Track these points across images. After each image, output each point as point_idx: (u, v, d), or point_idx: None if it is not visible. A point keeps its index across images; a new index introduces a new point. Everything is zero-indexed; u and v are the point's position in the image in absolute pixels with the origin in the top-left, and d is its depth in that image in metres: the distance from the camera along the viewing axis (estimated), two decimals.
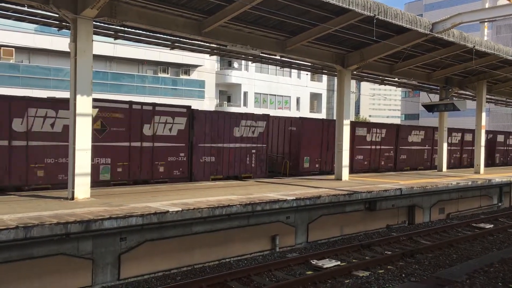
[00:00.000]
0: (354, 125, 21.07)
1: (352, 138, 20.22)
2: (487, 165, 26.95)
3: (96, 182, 12.46)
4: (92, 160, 11.22)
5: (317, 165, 19.73)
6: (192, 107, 15.76)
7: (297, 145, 19.17)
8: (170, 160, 14.85)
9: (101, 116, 13.10)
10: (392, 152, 23.25)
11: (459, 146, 28.28)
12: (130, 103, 14.26)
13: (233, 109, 40.32)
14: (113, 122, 13.48)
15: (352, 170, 19.73)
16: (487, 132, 29.02)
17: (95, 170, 12.46)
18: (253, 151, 17.31)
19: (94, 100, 11.23)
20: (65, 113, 11.82)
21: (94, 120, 12.07)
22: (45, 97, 13.63)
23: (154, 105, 14.82)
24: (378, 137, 22.29)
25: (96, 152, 12.38)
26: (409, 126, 25.81)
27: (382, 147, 22.51)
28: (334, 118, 20.10)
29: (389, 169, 22.98)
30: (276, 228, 11.82)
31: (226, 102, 44.16)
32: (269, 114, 18.47)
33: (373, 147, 22.07)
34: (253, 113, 18.31)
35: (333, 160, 18.55)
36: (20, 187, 12.06)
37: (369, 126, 22.84)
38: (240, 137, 16.89)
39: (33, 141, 12.11)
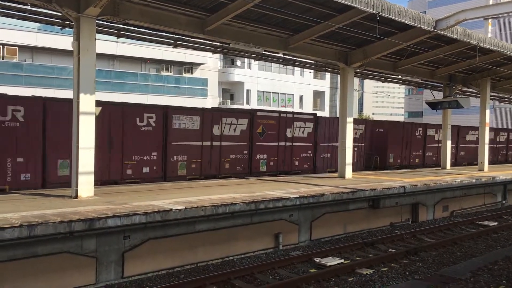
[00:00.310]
0: (426, 127, 25.70)
1: (424, 137, 25.12)
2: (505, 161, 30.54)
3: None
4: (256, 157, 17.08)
5: (398, 160, 23.58)
6: (317, 115, 20.35)
7: (384, 144, 22.63)
8: (302, 156, 19.21)
9: (262, 122, 17.73)
10: (453, 149, 26.67)
11: (505, 144, 31.97)
12: (279, 112, 19.24)
13: (236, 107, 40.34)
14: (268, 127, 17.96)
15: (424, 165, 24.79)
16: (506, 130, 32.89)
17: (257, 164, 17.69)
18: (355, 149, 20.37)
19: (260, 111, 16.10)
20: (242, 121, 16.90)
21: (257, 126, 17.41)
22: (228, 107, 18.10)
23: (293, 113, 19.50)
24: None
25: (259, 150, 17.66)
26: (466, 126, 29.30)
27: (429, 144, 25.88)
28: (337, 115, 20.49)
29: (452, 163, 25.56)
30: (280, 226, 11.82)
31: (229, 100, 44.15)
32: (366, 119, 22.19)
33: (440, 145, 24.70)
34: (356, 118, 21.75)
35: (411, 156, 24.07)
36: (216, 176, 16.26)
37: (437, 127, 25.89)
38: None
39: (224, 142, 16.43)
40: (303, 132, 19.02)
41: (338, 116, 18.76)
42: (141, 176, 14.35)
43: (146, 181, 14.35)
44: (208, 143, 16.00)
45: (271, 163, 18.03)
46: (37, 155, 12.40)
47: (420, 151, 25.11)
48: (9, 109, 11.95)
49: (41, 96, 13.15)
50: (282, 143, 18.34)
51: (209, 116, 16.05)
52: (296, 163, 18.94)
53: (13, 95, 12.61)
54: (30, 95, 13.94)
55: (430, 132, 25.53)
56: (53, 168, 12.67)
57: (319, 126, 19.77)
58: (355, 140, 19.54)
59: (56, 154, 12.66)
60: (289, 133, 18.52)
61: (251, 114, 17.46)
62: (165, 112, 14.89)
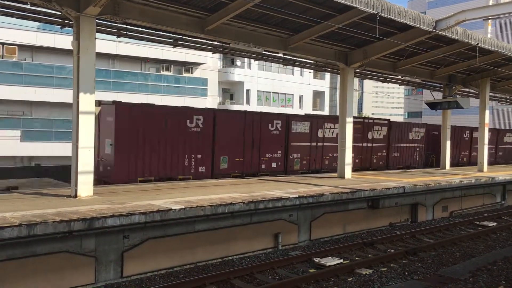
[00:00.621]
0: (472, 130, 28.58)
1: (471, 139, 28.49)
2: None
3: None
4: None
5: (450, 159, 25.84)
6: (390, 120, 23.81)
7: (439, 145, 24.29)
8: (379, 155, 22.68)
9: (355, 127, 19.48)
10: (493, 150, 30.49)
11: None
12: (363, 118, 23.29)
13: (235, 107, 40.35)
14: (355, 131, 19.29)
15: (469, 163, 28.16)
16: None
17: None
18: (417, 149, 24.52)
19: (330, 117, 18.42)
20: (337, 125, 18.65)
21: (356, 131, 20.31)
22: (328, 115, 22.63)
23: (373, 119, 23.15)
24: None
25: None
26: (505, 129, 33.12)
27: (474, 145, 28.80)
28: (337, 115, 20.72)
29: (491, 162, 28.86)
30: (279, 226, 11.82)
31: (228, 100, 44.12)
32: (426, 123, 25.61)
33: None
34: (420, 123, 26.14)
35: (460, 155, 27.75)
36: (318, 170, 19.84)
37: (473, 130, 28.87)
38: (411, 139, 24.30)
39: (325, 143, 20.11)
40: (379, 134, 22.63)
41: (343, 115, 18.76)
42: (270, 170, 18.02)
43: (273, 174, 17.93)
44: (314, 143, 19.71)
45: (357, 160, 21.34)
46: (209, 152, 16.02)
47: (467, 151, 28.75)
48: (194, 118, 15.58)
49: (213, 108, 18.76)
50: (365, 144, 21.85)
51: (315, 122, 19.78)
52: (374, 160, 22.51)
53: (196, 107, 16.56)
54: (204, 107, 19.32)
55: (475, 134, 28.19)
56: (218, 163, 16.34)
57: (392, 130, 23.25)
58: (417, 141, 24.48)
59: (220, 152, 16.35)
60: (370, 136, 22.06)
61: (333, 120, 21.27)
62: (287, 119, 18.68)
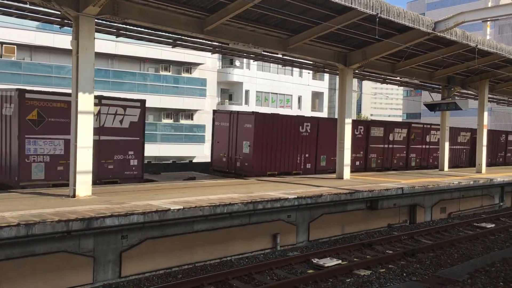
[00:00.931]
0: (507, 133, 32.16)
1: (506, 141, 31.71)
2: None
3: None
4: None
5: (489, 159, 28.65)
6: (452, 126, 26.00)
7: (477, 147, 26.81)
8: (435, 156, 25.35)
9: (414, 131, 24.39)
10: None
11: None
12: (423, 124, 26.27)
13: (234, 107, 40.34)
14: (417, 135, 24.45)
15: (505, 163, 31.23)
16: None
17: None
18: (464, 150, 28.22)
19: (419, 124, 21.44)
20: (404, 130, 23.84)
21: (411, 134, 24.30)
22: (398, 121, 25.69)
23: (430, 124, 25.98)
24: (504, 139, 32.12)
25: (412, 151, 24.35)
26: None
27: (508, 147, 32.56)
28: (336, 116, 20.97)
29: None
30: (278, 226, 11.82)
31: (227, 101, 44.13)
32: (471, 128, 27.86)
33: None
34: (465, 127, 28.55)
35: (497, 156, 30.75)
36: (388, 168, 22.89)
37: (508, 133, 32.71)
38: (459, 142, 27.74)
39: (394, 145, 23.28)
40: (435, 138, 25.36)
41: (336, 117, 18.82)
42: (354, 167, 20.32)
43: (357, 171, 20.70)
44: (387, 145, 22.79)
45: (417, 160, 24.71)
46: (313, 152, 19.11)
47: (503, 152, 31.78)
48: (304, 124, 18.75)
49: (317, 117, 24.08)
50: (424, 146, 25.15)
51: (388, 127, 22.96)
52: (431, 160, 25.54)
53: (306, 116, 20.87)
54: (310, 115, 24.71)
55: (510, 137, 32.31)
56: (319, 161, 19.44)
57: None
58: (463, 144, 28.10)
59: (320, 152, 19.42)
60: (427, 139, 25.25)
61: (408, 125, 24.69)
62: (368, 125, 22.25)
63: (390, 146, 23.07)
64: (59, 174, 12.43)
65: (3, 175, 12.56)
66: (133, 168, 14.12)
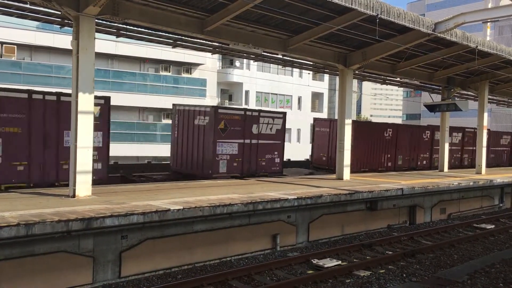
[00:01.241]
0: None
1: None
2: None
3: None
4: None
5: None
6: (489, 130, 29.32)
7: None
8: (472, 157, 27.41)
9: (467, 135, 27.56)
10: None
11: None
12: (474, 129, 26.32)
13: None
14: (468, 138, 27.85)
15: None
16: None
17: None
18: (505, 152, 31.39)
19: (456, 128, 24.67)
20: (459, 134, 27.41)
21: (465, 137, 27.76)
22: (453, 126, 26.84)
23: (464, 128, 28.11)
24: None
25: (464, 152, 27.93)
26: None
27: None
28: (336, 117, 20.99)
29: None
30: (277, 227, 11.82)
31: (227, 101, 44.12)
32: (511, 132, 32.39)
33: None
34: (507, 132, 32.21)
35: None
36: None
37: None
38: (501, 144, 30.75)
39: (452, 147, 26.17)
40: (456, 139, 27.58)
41: (336, 117, 18.78)
42: (421, 165, 24.59)
43: (423, 169, 24.18)
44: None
45: (469, 160, 27.78)
46: (393, 153, 22.93)
47: None
48: (387, 130, 22.75)
49: (397, 123, 27.14)
50: (474, 148, 26.21)
51: (450, 131, 24.83)
52: (470, 160, 28.35)
53: (389, 123, 24.66)
54: (391, 122, 27.33)
55: None
56: (396, 160, 22.96)
57: (490, 137, 28.79)
58: (505, 145, 31.23)
59: (398, 153, 23.14)
60: (456, 141, 27.56)
61: (463, 130, 27.55)
62: (433, 130, 25.18)
63: (450, 148, 25.62)
64: (235, 169, 16.67)
65: (199, 170, 16.63)
66: (276, 165, 18.11)
